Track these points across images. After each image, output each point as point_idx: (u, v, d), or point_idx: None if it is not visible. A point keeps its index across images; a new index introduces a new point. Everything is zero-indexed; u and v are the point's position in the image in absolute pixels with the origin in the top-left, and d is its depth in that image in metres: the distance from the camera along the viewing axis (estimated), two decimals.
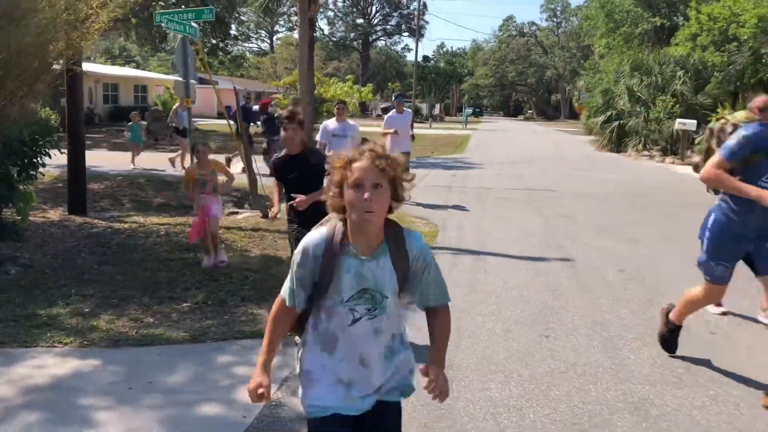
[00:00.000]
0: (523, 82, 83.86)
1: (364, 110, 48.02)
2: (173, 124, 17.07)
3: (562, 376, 4.02)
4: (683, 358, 4.32)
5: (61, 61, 8.54)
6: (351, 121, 9.17)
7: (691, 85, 24.14)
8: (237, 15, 38.05)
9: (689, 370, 4.16)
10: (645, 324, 4.98)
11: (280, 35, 73.95)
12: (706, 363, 4.27)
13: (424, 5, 68.29)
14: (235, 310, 5.20)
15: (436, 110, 63.90)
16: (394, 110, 11.94)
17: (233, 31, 44.46)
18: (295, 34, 68.32)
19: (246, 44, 71.57)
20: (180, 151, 15.56)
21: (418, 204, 10.62)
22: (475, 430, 3.35)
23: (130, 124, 16.46)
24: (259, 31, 70.84)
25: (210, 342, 4.54)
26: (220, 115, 46.67)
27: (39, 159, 7.71)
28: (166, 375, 3.98)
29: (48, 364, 4.08)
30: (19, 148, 7.38)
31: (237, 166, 13.53)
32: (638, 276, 6.49)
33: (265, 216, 9.46)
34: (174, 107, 16.79)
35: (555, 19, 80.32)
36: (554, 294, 5.84)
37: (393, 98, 10.75)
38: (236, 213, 10.47)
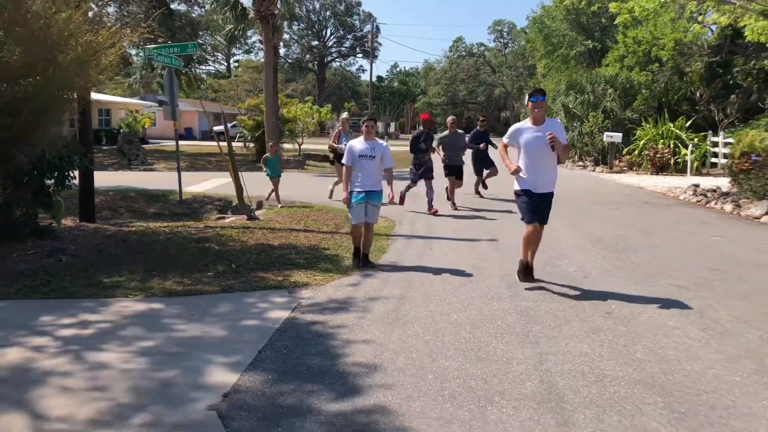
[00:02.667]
0: (473, 100, 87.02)
1: (322, 129, 49.95)
2: (334, 150, 13.19)
3: (478, 298, 6.05)
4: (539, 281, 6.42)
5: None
6: (381, 141, 7.90)
7: (619, 102, 26.83)
8: (196, 40, 39.72)
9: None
10: (539, 269, 7.07)
11: (236, 58, 75.63)
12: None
13: (377, 28, 71.02)
14: (248, 275, 7.10)
15: (392, 128, 66.34)
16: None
17: (193, 55, 46.03)
18: (253, 57, 69.77)
19: (202, 67, 72.97)
20: (336, 179, 13.95)
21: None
22: (416, 320, 5.35)
23: (267, 156, 13.85)
24: (215, 54, 72.32)
25: (236, 292, 6.44)
26: (181, 137, 48.13)
27: (70, 173, 9.49)
28: (214, 308, 5.87)
29: (130, 306, 5.93)
30: (56, 163, 9.16)
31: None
32: (545, 246, 8.62)
33: (250, 218, 11.34)
34: (335, 131, 13.62)
35: (502, 40, 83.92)
36: (480, 258, 7.94)
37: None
38: (223, 218, 12.31)
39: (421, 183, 12.60)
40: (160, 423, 3.59)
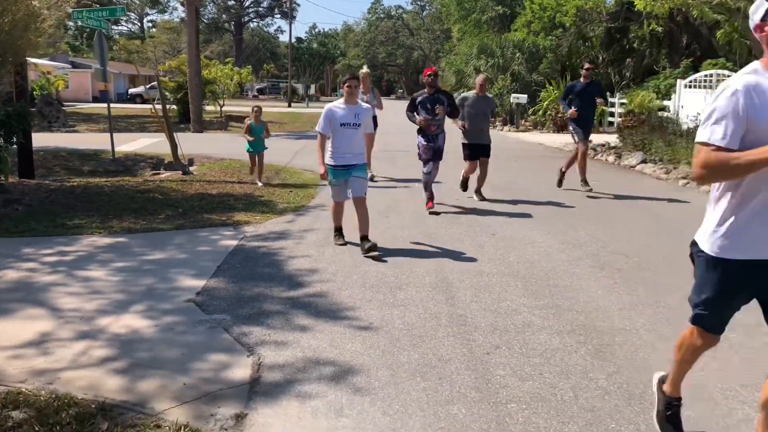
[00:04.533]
0: (393, 63, 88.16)
1: (241, 91, 50.11)
2: None
3: (391, 228, 7.44)
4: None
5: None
6: (364, 104, 6.69)
7: (526, 66, 28.73)
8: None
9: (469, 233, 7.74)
10: (445, 207, 8.52)
11: (150, 18, 73.66)
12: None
13: None
14: (195, 217, 8.22)
15: (312, 90, 66.83)
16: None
17: None
18: (168, 17, 68.12)
19: (114, 27, 70.65)
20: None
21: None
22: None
23: (250, 122, 11.01)
24: (128, 14, 70.17)
25: (188, 229, 7.58)
26: (95, 99, 47.26)
27: (16, 132, 10.20)
28: (172, 240, 7.01)
29: (98, 240, 6.99)
30: (3, 121, 9.86)
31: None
32: (453, 191, 10.11)
33: (185, 173, 12.31)
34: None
35: (419, 2, 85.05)
36: (394, 200, 9.35)
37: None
38: (158, 173, 13.20)
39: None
40: (155, 309, 4.79)
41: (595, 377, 3.65)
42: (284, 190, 10.31)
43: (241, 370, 3.77)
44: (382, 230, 7.39)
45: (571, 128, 10.25)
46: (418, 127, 8.40)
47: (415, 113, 8.43)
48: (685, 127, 15.85)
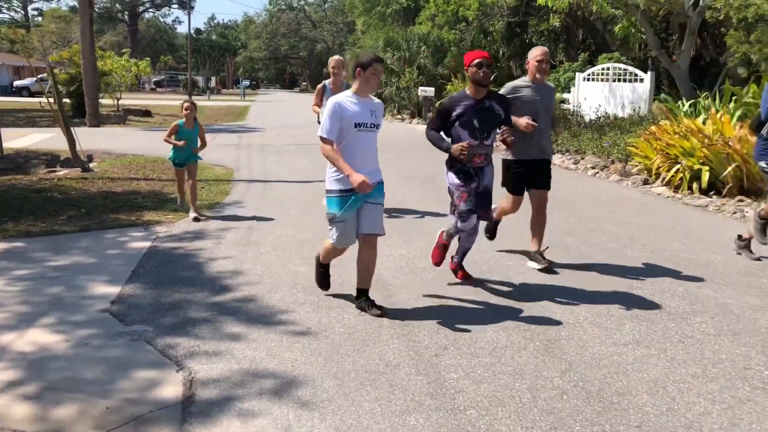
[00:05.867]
0: (296, 55, 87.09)
1: (139, 84, 47.92)
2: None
3: (317, 224, 7.17)
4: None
5: None
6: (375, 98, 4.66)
7: (432, 59, 28.98)
8: None
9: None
10: None
11: (35, 5, 69.15)
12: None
13: None
14: (101, 217, 7.61)
15: (212, 83, 64.89)
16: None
17: None
18: (54, 4, 64.03)
19: None
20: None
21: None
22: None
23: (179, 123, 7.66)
24: (11, 1, 65.65)
25: (95, 231, 6.98)
26: None
27: None
28: (77, 243, 6.42)
29: None
30: None
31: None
32: None
33: (85, 170, 11.48)
34: (319, 86, 8.26)
35: None
36: (315, 196, 9.06)
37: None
38: (54, 171, 12.26)
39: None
40: (65, 321, 4.31)
41: (549, 376, 3.55)
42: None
43: (171, 388, 3.41)
44: (308, 227, 7.10)
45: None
46: (447, 156, 4.97)
47: (443, 133, 4.97)
48: (587, 118, 16.41)
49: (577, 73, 21.77)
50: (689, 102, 12.00)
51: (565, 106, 19.76)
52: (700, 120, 10.30)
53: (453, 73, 27.52)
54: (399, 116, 27.92)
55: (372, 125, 4.46)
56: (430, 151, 14.59)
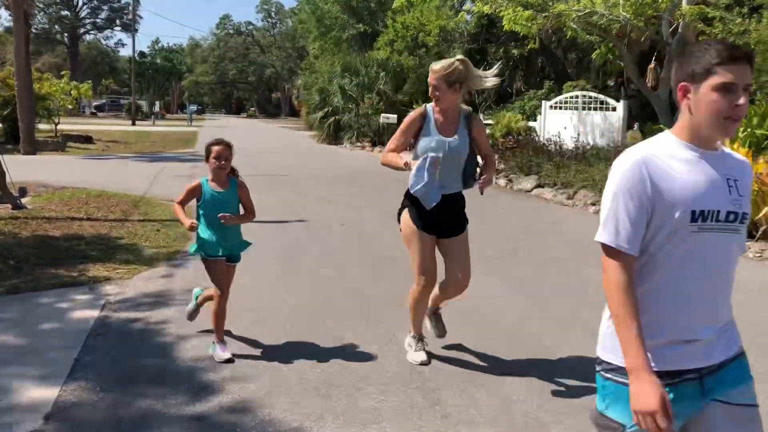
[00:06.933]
0: (243, 80, 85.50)
1: (79, 108, 45.57)
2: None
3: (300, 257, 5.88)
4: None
5: None
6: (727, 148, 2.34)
7: (391, 85, 28.07)
8: None
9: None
10: (350, 248, 7.09)
11: None
12: None
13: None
14: (34, 272, 6.12)
15: (157, 107, 62.67)
16: None
17: None
18: None
19: None
20: None
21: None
22: None
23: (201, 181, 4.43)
24: None
25: (25, 293, 5.51)
26: None
27: None
28: (3, 312, 4.96)
29: None
30: None
31: None
32: (353, 225, 8.68)
33: (16, 207, 9.88)
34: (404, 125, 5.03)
35: (270, 20, 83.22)
36: (296, 240, 7.75)
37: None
38: None
39: None
40: None
41: None
42: (148, 229, 8.34)
43: None
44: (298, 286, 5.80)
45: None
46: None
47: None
48: (564, 147, 15.57)
49: (543, 101, 21.16)
50: None
51: (533, 135, 19.09)
52: None
53: (414, 100, 26.65)
54: (359, 144, 26.80)
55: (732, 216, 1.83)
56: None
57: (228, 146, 4.22)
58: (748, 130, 10.11)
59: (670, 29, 14.75)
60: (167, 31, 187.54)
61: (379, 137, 26.32)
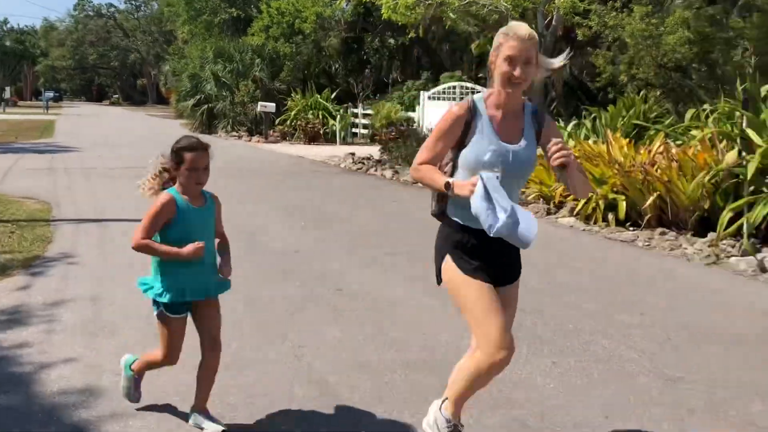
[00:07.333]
0: (105, 66, 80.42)
1: None
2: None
3: None
4: None
5: None
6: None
7: (268, 72, 27.19)
8: None
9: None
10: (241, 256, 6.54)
11: None
12: None
13: None
14: None
15: (7, 94, 57.46)
16: None
17: None
18: None
19: None
20: None
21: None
22: None
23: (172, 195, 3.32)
24: None
25: None
26: None
27: None
28: None
29: None
30: None
31: None
32: (247, 225, 8.10)
33: None
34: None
35: (134, 2, 78.61)
36: None
37: None
38: None
39: None
40: None
41: None
42: (0, 231, 7.31)
43: None
44: None
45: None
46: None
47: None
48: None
49: (421, 92, 21.22)
50: (572, 123, 11.56)
51: (413, 125, 19.13)
52: (590, 142, 9.75)
53: (291, 88, 25.94)
54: (235, 133, 25.74)
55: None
56: (296, 176, 13.00)
57: (206, 150, 3.00)
58: (624, 120, 10.49)
59: (545, 21, 15.16)
60: (18, 10, 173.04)
61: (256, 126, 25.43)
